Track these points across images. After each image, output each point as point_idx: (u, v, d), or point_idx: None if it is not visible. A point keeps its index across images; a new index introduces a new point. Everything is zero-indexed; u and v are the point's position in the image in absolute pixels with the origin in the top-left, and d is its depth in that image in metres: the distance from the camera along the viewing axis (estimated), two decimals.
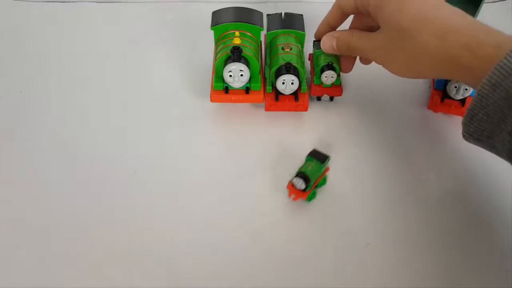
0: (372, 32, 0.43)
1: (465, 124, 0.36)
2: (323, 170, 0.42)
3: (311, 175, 0.41)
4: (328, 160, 0.42)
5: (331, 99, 0.51)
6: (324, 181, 0.44)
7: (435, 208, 0.42)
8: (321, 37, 0.48)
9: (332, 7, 0.47)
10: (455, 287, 0.38)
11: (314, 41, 0.50)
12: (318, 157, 0.42)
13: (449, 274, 0.38)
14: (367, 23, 0.46)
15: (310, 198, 0.42)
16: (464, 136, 0.37)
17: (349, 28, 0.48)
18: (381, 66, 0.43)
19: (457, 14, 0.38)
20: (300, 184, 0.41)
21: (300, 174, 0.41)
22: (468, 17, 0.38)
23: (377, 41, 0.42)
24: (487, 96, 0.33)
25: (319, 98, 0.50)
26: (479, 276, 0.38)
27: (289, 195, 0.42)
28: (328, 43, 0.47)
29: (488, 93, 0.33)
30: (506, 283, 0.38)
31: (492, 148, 0.36)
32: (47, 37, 0.58)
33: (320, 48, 0.49)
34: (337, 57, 0.49)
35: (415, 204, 0.43)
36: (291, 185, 0.42)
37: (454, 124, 0.49)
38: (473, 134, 0.36)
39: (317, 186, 0.43)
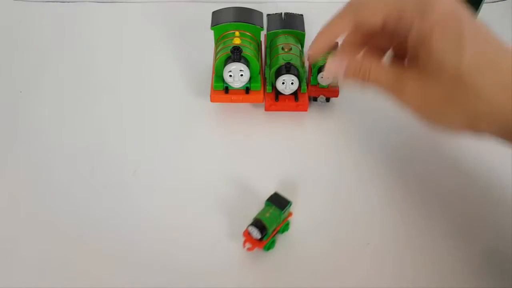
0: (405, 68, 0.33)
1: None
2: (284, 217, 0.39)
3: (268, 223, 0.37)
4: (290, 206, 0.38)
5: (328, 100, 0.50)
6: (286, 227, 0.40)
7: (435, 208, 0.42)
8: (319, 55, 0.38)
9: (341, 16, 0.35)
10: (456, 287, 0.38)
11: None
12: (277, 203, 0.38)
13: (450, 274, 0.38)
14: (380, 44, 0.36)
15: (268, 247, 0.38)
16: None
17: (343, 42, 0.37)
18: None
19: None
20: (255, 233, 0.37)
21: (256, 222, 0.37)
22: None
23: (416, 86, 0.32)
24: None
25: (315, 99, 0.50)
26: (480, 276, 0.38)
27: (244, 245, 0.38)
28: (334, 69, 0.36)
29: None
30: (507, 283, 0.38)
31: None
32: (47, 37, 0.58)
33: None
34: None
35: (414, 204, 0.43)
36: (247, 233, 0.38)
37: None
38: None
39: (278, 232, 0.39)
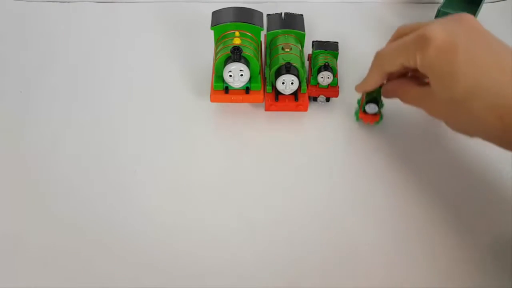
0: (427, 87, 0.39)
1: None
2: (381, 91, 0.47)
3: (378, 97, 0.46)
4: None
5: (328, 100, 0.50)
6: (383, 103, 0.48)
7: (437, 208, 0.42)
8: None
9: (373, 72, 0.44)
10: (457, 287, 0.38)
11: (313, 41, 0.50)
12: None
13: (451, 274, 0.39)
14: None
15: (381, 118, 0.48)
16: None
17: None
18: None
19: None
20: (373, 108, 0.46)
21: (371, 99, 0.46)
22: None
23: (436, 102, 0.39)
24: None
25: (315, 99, 0.50)
26: (481, 276, 0.38)
27: (365, 122, 0.48)
28: (395, 92, 0.44)
29: None
30: (507, 282, 0.38)
31: None
32: (47, 37, 0.58)
33: (318, 48, 0.49)
34: (334, 57, 0.49)
35: (416, 204, 0.43)
36: (363, 113, 0.47)
37: None
38: None
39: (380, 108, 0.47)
